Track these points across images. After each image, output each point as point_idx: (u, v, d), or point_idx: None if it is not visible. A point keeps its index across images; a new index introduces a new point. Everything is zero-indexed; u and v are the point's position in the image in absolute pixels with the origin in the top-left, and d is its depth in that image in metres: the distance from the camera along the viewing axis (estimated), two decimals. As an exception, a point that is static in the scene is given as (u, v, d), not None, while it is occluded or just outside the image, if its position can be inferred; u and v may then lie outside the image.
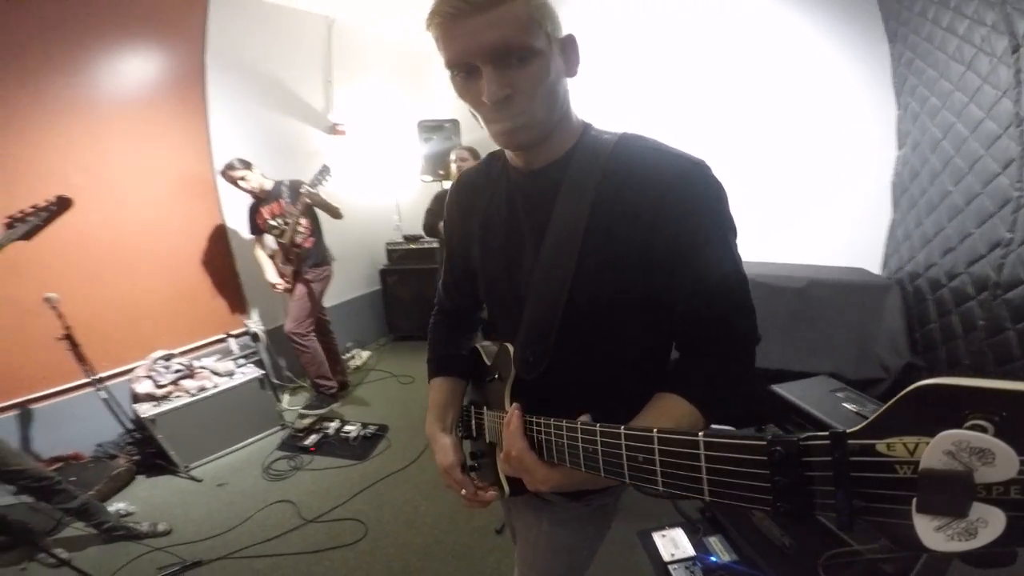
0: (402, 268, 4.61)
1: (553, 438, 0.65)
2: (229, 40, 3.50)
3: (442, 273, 1.08)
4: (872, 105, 2.41)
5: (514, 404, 0.74)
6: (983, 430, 0.22)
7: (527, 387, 0.82)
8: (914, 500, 0.24)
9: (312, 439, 2.97)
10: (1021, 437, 0.22)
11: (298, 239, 3.20)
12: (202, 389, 2.83)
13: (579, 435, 0.58)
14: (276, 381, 3.61)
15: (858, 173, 2.51)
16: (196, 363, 3.01)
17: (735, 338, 0.73)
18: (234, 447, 2.97)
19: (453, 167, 3.39)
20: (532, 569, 1.01)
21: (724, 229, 0.72)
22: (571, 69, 0.74)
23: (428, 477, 2.64)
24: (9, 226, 1.84)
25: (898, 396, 0.26)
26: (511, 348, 0.85)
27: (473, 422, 1.01)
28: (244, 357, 3.25)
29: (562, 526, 0.94)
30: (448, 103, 4.90)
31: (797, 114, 2.59)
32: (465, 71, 0.69)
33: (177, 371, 2.85)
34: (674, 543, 1.96)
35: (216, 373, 2.98)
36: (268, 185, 3.22)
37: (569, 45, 0.73)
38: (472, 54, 0.66)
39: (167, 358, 2.93)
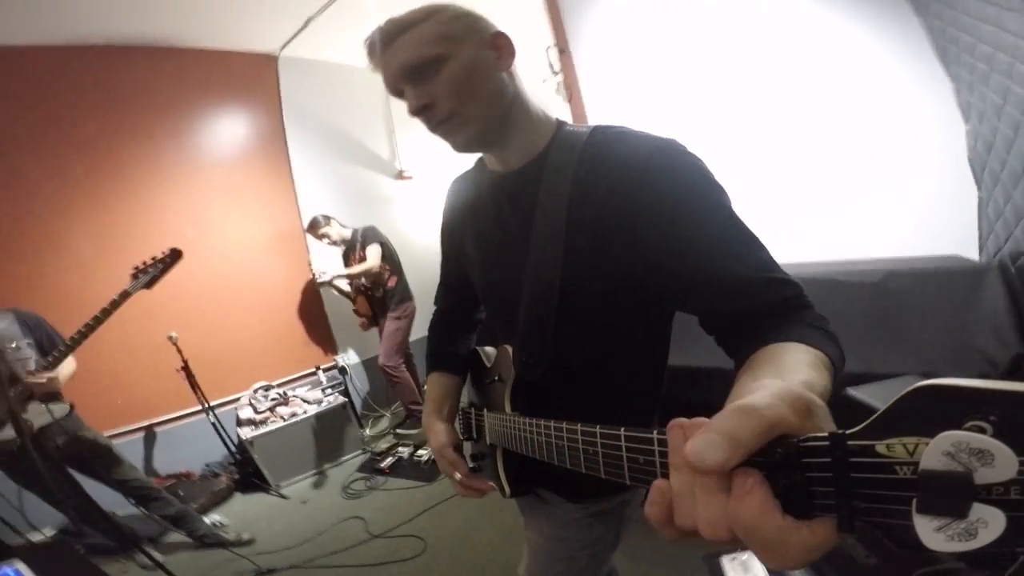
0: None
1: (553, 440, 0.62)
2: (301, 101, 3.82)
3: (440, 275, 1.08)
4: (920, 81, 2.14)
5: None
6: (982, 431, 0.21)
7: (527, 388, 0.80)
8: (914, 501, 0.23)
9: (388, 461, 3.05)
10: (1020, 438, 0.21)
11: (366, 281, 3.35)
12: (293, 415, 3.00)
13: (579, 436, 0.55)
14: (362, 411, 3.77)
15: (926, 155, 2.19)
16: (290, 392, 3.23)
17: (774, 310, 0.61)
18: (320, 468, 3.10)
19: None
20: (529, 571, 0.98)
21: (712, 204, 0.65)
22: (505, 62, 0.72)
23: (488, 499, 2.61)
24: (135, 277, 2.05)
25: (897, 397, 0.25)
26: (510, 349, 0.83)
27: (474, 424, 0.98)
28: (331, 387, 3.41)
29: (562, 530, 0.89)
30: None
31: (845, 105, 2.30)
32: (402, 97, 0.73)
33: (273, 399, 3.06)
34: (744, 568, 1.74)
35: (306, 401, 3.16)
36: (347, 234, 3.39)
37: (499, 41, 0.72)
38: (394, 81, 0.72)
39: (266, 388, 3.17)
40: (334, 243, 3.36)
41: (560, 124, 0.79)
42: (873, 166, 2.34)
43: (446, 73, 0.69)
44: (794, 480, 0.28)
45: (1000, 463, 0.21)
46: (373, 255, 3.22)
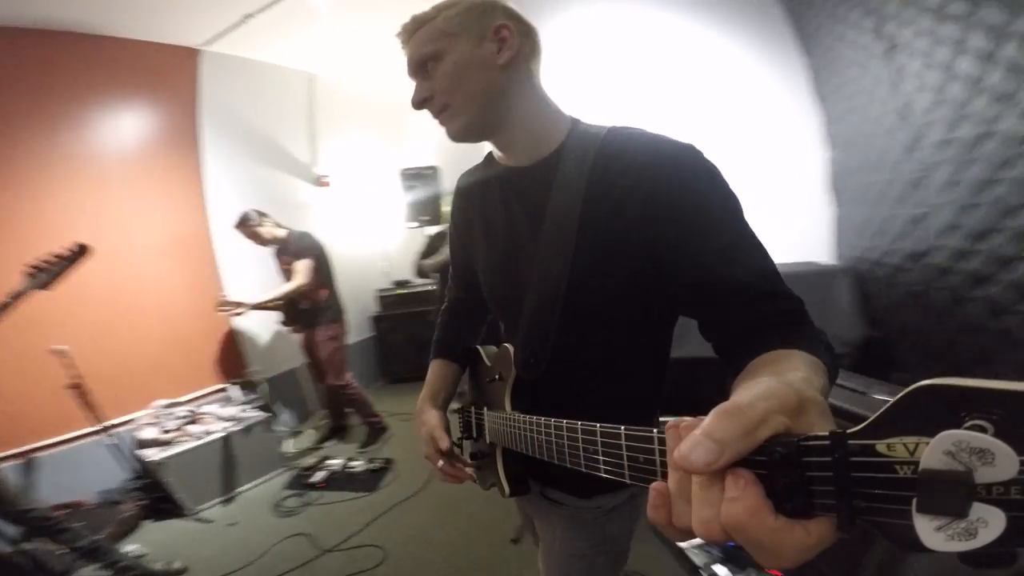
0: (395, 313, 4.46)
1: (553, 438, 0.60)
2: (220, 98, 3.47)
3: (451, 265, 1.05)
4: (800, 113, 2.48)
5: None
6: (983, 430, 0.21)
7: (528, 387, 0.78)
8: (914, 500, 0.23)
9: (320, 476, 2.84)
10: (1021, 437, 0.21)
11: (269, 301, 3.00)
12: (207, 433, 2.70)
13: (579, 436, 0.54)
14: (281, 428, 3.48)
15: (796, 175, 2.56)
16: (199, 409, 2.89)
17: (776, 321, 0.60)
18: (241, 488, 2.81)
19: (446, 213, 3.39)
20: (548, 574, 0.94)
21: (726, 211, 0.64)
22: (501, 57, 0.71)
23: (439, 501, 2.54)
24: (31, 275, 1.72)
25: (898, 396, 0.24)
26: (511, 348, 0.81)
27: (474, 422, 0.95)
28: (247, 403, 3.12)
29: (576, 530, 0.86)
30: (428, 150, 4.92)
31: (736, 131, 2.60)
32: None
33: (181, 417, 2.73)
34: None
35: (220, 418, 2.85)
36: (281, 235, 3.03)
37: (501, 32, 0.71)
38: (408, 72, 0.76)
39: (171, 406, 2.82)
40: (264, 243, 3.00)
41: (575, 122, 0.77)
42: (752, 182, 2.62)
43: (441, 69, 0.71)
44: (794, 479, 0.28)
45: (1001, 462, 0.21)
46: (302, 271, 2.91)
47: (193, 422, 2.74)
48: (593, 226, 0.68)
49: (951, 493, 0.22)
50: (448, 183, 4.63)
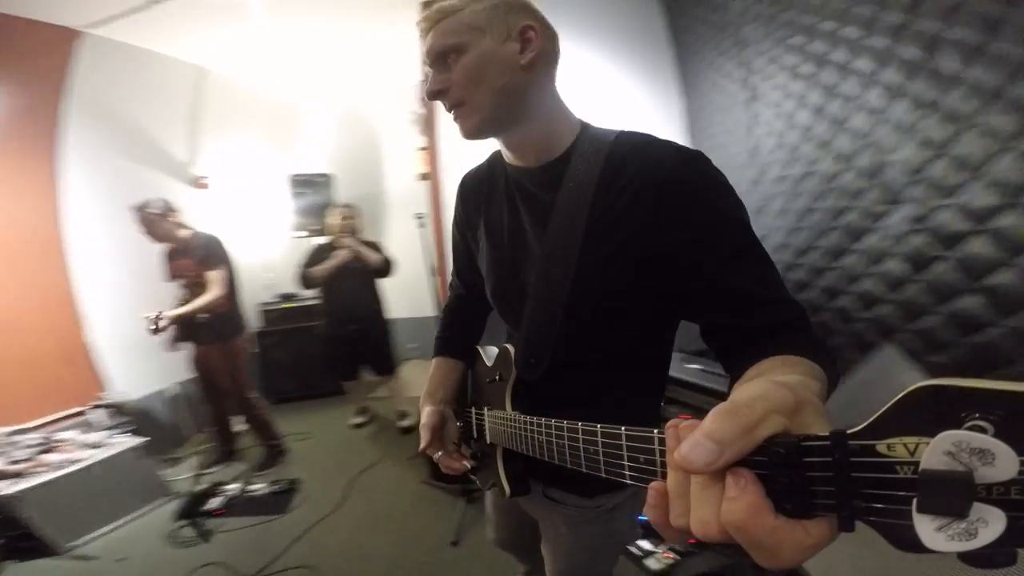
0: (278, 329, 3.94)
1: (554, 439, 0.58)
2: (94, 86, 2.90)
3: (452, 263, 1.02)
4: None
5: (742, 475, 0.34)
6: (983, 430, 0.21)
7: (528, 388, 0.76)
8: (914, 500, 0.22)
9: (217, 502, 2.47)
10: (1021, 437, 0.20)
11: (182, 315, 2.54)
12: (70, 462, 2.23)
13: (580, 435, 0.52)
14: (155, 452, 2.95)
15: None
16: (55, 436, 2.39)
17: (777, 328, 0.59)
18: (121, 521, 2.37)
19: (339, 224, 3.08)
20: (552, 570, 0.93)
21: (732, 219, 0.62)
22: (528, 54, 0.68)
23: (361, 517, 2.34)
24: None
25: (898, 396, 0.24)
26: (511, 349, 0.78)
27: (474, 423, 0.91)
28: (113, 428, 2.64)
29: (579, 527, 0.85)
30: (321, 157, 4.57)
31: None
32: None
33: (32, 445, 2.24)
34: None
35: (84, 445, 2.38)
36: (185, 236, 2.55)
37: (527, 33, 0.68)
38: (425, 61, 0.71)
39: (16, 433, 2.31)
40: (160, 239, 2.51)
41: (585, 125, 0.75)
42: None
43: (463, 60, 0.67)
44: (794, 479, 0.27)
45: (1001, 462, 0.20)
46: (219, 281, 2.52)
47: (49, 450, 2.25)
48: (600, 229, 0.67)
49: (951, 493, 0.21)
50: (343, 191, 4.33)
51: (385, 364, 3.39)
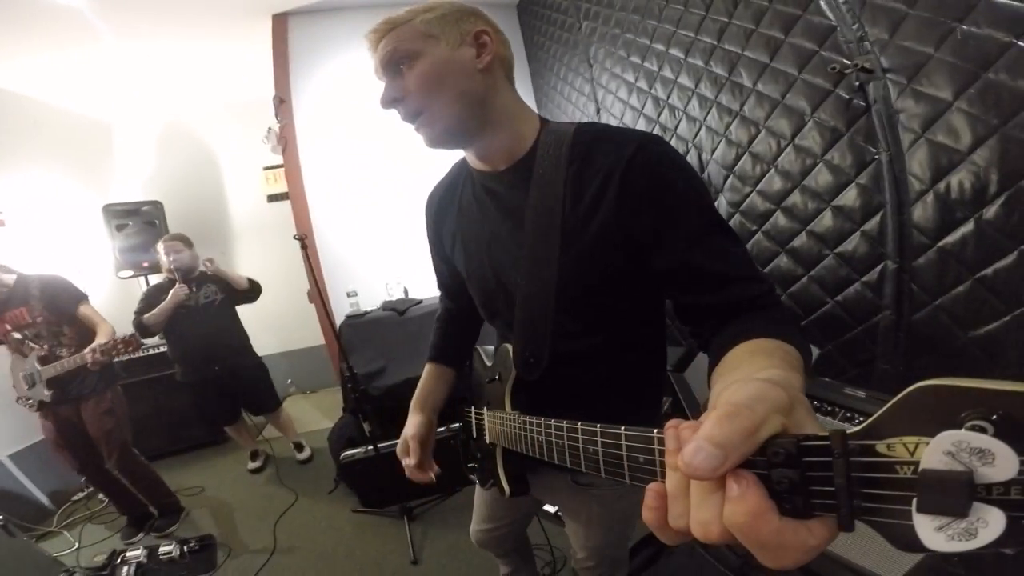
0: (131, 382, 3.14)
1: (553, 438, 0.56)
2: None
3: (437, 280, 0.98)
4: None
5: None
6: (983, 430, 0.20)
7: (527, 387, 0.73)
8: (914, 500, 0.22)
9: (127, 572, 1.95)
10: (1021, 437, 0.20)
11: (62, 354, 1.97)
12: None
13: (579, 435, 0.49)
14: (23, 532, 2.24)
15: None
16: None
17: (746, 305, 0.59)
18: None
19: (166, 260, 2.53)
20: (585, 546, 0.92)
21: (695, 199, 0.61)
22: (484, 59, 0.66)
23: (304, 558, 2.05)
24: None
25: (898, 396, 0.24)
26: (510, 348, 0.76)
27: (473, 422, 0.89)
28: None
29: (611, 503, 0.84)
30: (143, 184, 3.78)
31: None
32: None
33: None
34: None
35: None
36: (8, 279, 1.94)
37: (481, 38, 0.66)
38: (378, 73, 0.69)
39: None
40: None
41: (544, 121, 0.72)
42: None
43: (417, 69, 0.65)
44: (794, 480, 0.26)
45: (1001, 463, 0.20)
46: (98, 316, 2.10)
47: None
48: (575, 222, 0.65)
49: (951, 493, 0.21)
50: (173, 219, 3.63)
51: (264, 403, 2.95)
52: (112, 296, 3.51)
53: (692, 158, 1.81)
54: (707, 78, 1.66)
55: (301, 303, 2.61)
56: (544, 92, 2.87)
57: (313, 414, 3.81)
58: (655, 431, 0.38)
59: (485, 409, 0.84)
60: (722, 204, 1.72)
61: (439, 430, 0.96)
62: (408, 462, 0.90)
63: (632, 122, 2.09)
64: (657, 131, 1.95)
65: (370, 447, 2.14)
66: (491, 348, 0.89)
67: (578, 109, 2.53)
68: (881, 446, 0.23)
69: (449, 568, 1.88)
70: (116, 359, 2.08)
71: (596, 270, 0.66)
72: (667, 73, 1.83)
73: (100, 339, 2.00)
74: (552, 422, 0.57)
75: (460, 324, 0.99)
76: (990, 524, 0.20)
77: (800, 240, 1.48)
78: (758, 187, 1.57)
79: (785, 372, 0.41)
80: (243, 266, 3.20)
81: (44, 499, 2.76)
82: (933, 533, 0.21)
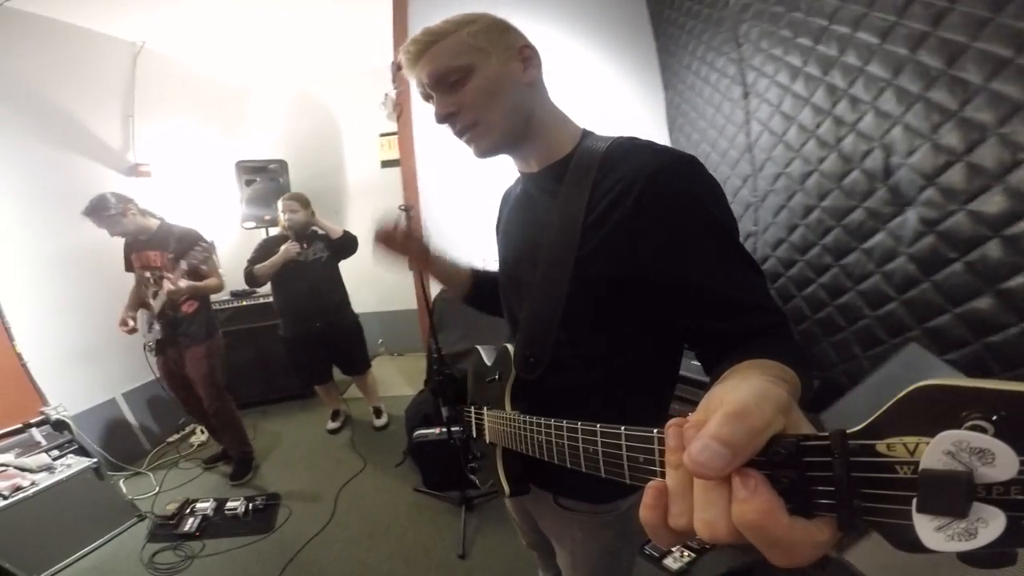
0: (235, 329, 3.82)
1: (553, 438, 0.61)
2: (6, 63, 2.71)
3: None
4: (654, 140, 2.87)
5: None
6: (983, 430, 0.22)
7: (527, 387, 0.80)
8: (914, 500, 0.23)
9: (191, 524, 2.39)
10: (1021, 437, 0.21)
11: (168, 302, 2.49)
12: (17, 488, 2.13)
13: (579, 435, 0.54)
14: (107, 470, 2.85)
15: None
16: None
17: (756, 333, 0.62)
18: (89, 548, 2.30)
19: (283, 217, 3.00)
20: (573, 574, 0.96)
21: (714, 224, 0.65)
22: (531, 73, 0.75)
23: (357, 530, 2.31)
24: None
25: (898, 396, 0.25)
26: (511, 348, 0.83)
27: (473, 422, 0.96)
28: (58, 448, 2.51)
29: (595, 531, 0.88)
30: (272, 143, 4.44)
31: None
32: (430, 101, 0.77)
33: None
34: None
35: (27, 469, 2.27)
36: (151, 224, 2.51)
37: (526, 52, 0.75)
38: (424, 86, 0.76)
39: None
40: (124, 233, 2.46)
41: (586, 133, 0.80)
42: None
43: (472, 84, 0.72)
44: (794, 479, 0.28)
45: (1001, 462, 0.21)
46: (215, 281, 2.59)
47: None
48: (594, 230, 0.70)
49: (951, 493, 0.22)
50: (296, 178, 4.24)
51: (355, 363, 3.35)
52: (235, 243, 4.24)
53: (875, 160, 1.59)
54: (912, 69, 1.44)
55: (402, 267, 2.90)
56: (674, 71, 2.76)
57: (397, 378, 4.23)
58: (655, 431, 0.41)
59: (485, 409, 0.90)
60: (909, 221, 1.51)
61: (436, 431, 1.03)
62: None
63: (794, 110, 1.90)
64: (828, 124, 1.76)
65: (443, 430, 2.33)
66: (492, 348, 0.95)
67: (717, 91, 2.40)
68: (881, 446, 0.25)
69: (494, 569, 1.98)
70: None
71: (606, 282, 0.71)
72: (851, 60, 1.64)
73: (204, 283, 2.51)
74: (552, 422, 0.61)
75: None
76: (990, 524, 0.21)
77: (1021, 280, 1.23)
78: (970, 205, 1.35)
79: (780, 375, 0.45)
80: (354, 225, 3.65)
81: (143, 439, 3.41)
82: (933, 533, 0.23)
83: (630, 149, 0.73)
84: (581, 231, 0.71)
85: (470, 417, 0.98)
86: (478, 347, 0.98)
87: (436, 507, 2.42)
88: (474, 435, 0.96)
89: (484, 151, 0.78)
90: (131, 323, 2.60)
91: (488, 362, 0.92)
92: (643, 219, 0.66)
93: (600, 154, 0.73)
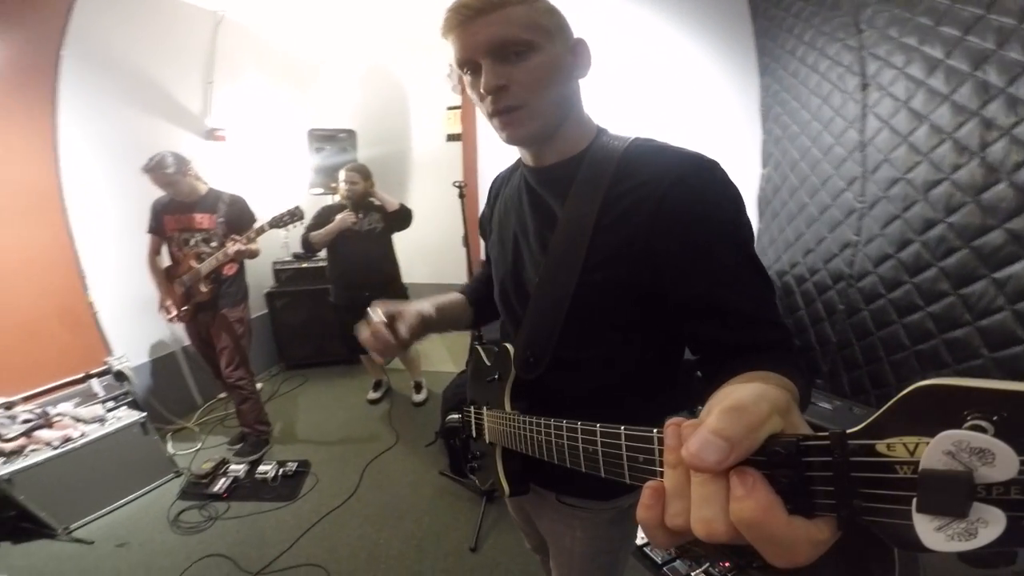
0: (292, 290, 4.21)
1: (553, 438, 0.64)
2: (97, 29, 3.05)
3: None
4: (745, 130, 2.73)
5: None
6: (983, 430, 0.23)
7: (527, 387, 0.84)
8: (914, 500, 0.25)
9: (222, 484, 2.62)
10: (1021, 437, 0.22)
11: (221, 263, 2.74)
12: (67, 439, 2.39)
13: (579, 435, 0.57)
14: (155, 424, 3.16)
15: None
16: (51, 410, 2.56)
17: (762, 347, 0.66)
18: (122, 501, 2.56)
19: (343, 187, 3.24)
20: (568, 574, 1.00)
21: (732, 234, 0.68)
22: (581, 71, 0.77)
23: (376, 508, 2.47)
24: None
25: (898, 396, 0.26)
26: (511, 348, 0.86)
27: (473, 422, 1.00)
28: (113, 399, 2.81)
29: (597, 528, 0.93)
30: (342, 113, 4.69)
31: (682, 136, 2.83)
32: (471, 69, 0.74)
33: (26, 421, 2.40)
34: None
35: (81, 420, 2.55)
36: (202, 189, 2.76)
37: (579, 48, 0.76)
38: (474, 51, 0.72)
39: (7, 407, 2.46)
40: (180, 195, 2.70)
41: (601, 131, 0.80)
42: None
43: (533, 61, 0.71)
44: (794, 479, 0.30)
45: (1001, 462, 0.22)
46: (256, 247, 2.76)
47: (44, 426, 2.43)
48: (605, 236, 0.73)
49: (951, 493, 0.23)
50: (363, 149, 4.46)
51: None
52: (304, 208, 4.53)
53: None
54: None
55: (457, 241, 3.01)
56: (774, 56, 2.63)
57: (441, 353, 4.38)
58: (655, 430, 0.43)
59: (485, 409, 0.94)
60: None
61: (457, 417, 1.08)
62: (375, 318, 0.91)
63: (927, 107, 1.73)
64: (973, 125, 1.58)
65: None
66: (492, 348, 0.98)
67: (827, 81, 2.26)
68: (881, 446, 0.27)
69: (502, 567, 2.04)
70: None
71: (615, 284, 0.73)
72: (1015, 54, 1.50)
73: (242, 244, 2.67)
74: (552, 421, 0.65)
75: (483, 284, 1.12)
76: (990, 524, 0.23)
77: None
78: None
79: (778, 381, 0.48)
80: (415, 198, 3.83)
81: (197, 395, 3.74)
82: (933, 533, 0.24)
83: (649, 152, 0.74)
84: (592, 233, 0.73)
85: (470, 416, 1.02)
86: (478, 347, 1.03)
87: (457, 494, 2.52)
88: (474, 435, 1.00)
89: (519, 138, 0.77)
90: (173, 311, 2.86)
91: (488, 362, 0.96)
92: (661, 227, 0.68)
93: (617, 155, 0.75)
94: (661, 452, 0.42)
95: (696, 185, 0.68)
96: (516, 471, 0.88)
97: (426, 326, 0.97)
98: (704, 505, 0.33)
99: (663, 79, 2.89)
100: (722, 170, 0.70)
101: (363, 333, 0.91)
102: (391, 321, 0.91)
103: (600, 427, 0.52)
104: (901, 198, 1.86)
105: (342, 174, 3.29)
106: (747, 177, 2.74)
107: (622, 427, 0.48)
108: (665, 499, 0.36)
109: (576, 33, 0.79)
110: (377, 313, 0.90)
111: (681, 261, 0.68)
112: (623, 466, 0.48)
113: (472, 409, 1.01)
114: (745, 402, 0.33)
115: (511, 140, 0.77)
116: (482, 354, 1.00)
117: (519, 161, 0.93)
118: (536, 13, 0.72)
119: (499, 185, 1.01)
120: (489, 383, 0.93)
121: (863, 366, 2.06)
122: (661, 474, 0.40)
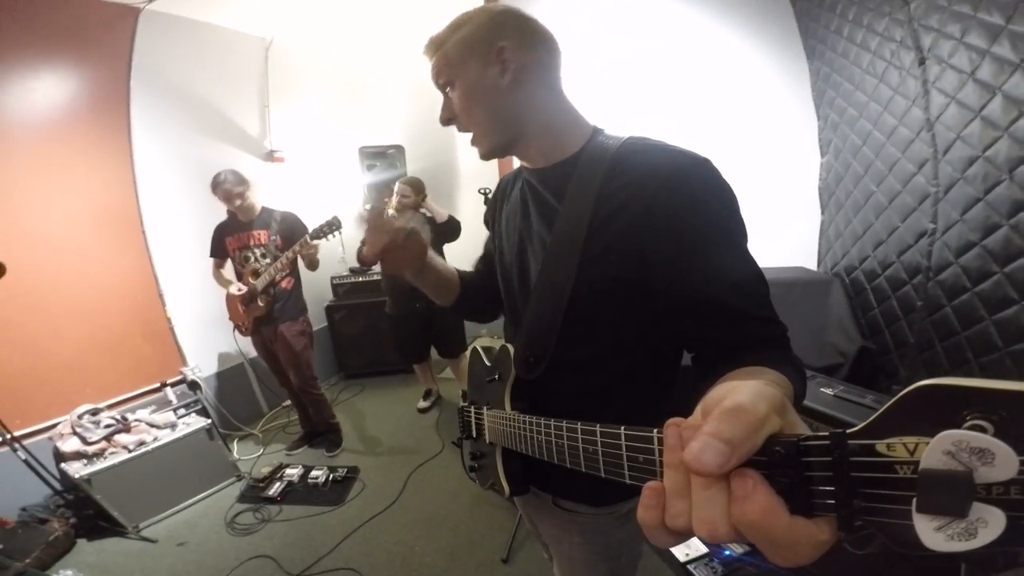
0: (350, 303, 4.43)
1: (553, 438, 0.65)
2: (157, 61, 3.33)
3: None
4: (798, 118, 2.60)
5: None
6: (983, 430, 0.23)
7: (527, 387, 0.85)
8: (914, 500, 0.25)
9: (276, 488, 2.79)
10: (1021, 437, 0.22)
11: (274, 277, 2.91)
12: (141, 443, 2.63)
13: (579, 435, 0.58)
14: (223, 430, 3.41)
15: (789, 181, 2.68)
16: (130, 416, 2.81)
17: (757, 343, 0.67)
18: (187, 503, 2.77)
19: (394, 200, 3.34)
20: None
21: (724, 232, 0.69)
22: (506, 78, 0.77)
23: (416, 516, 2.54)
24: None
25: (898, 396, 0.26)
26: (511, 348, 0.88)
27: (473, 422, 1.01)
28: (185, 407, 3.05)
29: (595, 535, 0.93)
30: (391, 129, 4.87)
31: (731, 129, 2.73)
32: None
33: (108, 426, 2.64)
34: (686, 543, 1.96)
35: (155, 426, 2.79)
36: (258, 207, 2.98)
37: (502, 55, 0.77)
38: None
39: (94, 413, 2.71)
40: (239, 209, 2.90)
41: (596, 131, 0.84)
42: (747, 187, 2.73)
43: (456, 93, 0.81)
44: (794, 479, 0.30)
45: (1000, 462, 0.22)
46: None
47: (123, 431, 2.67)
48: (600, 234, 0.74)
49: (951, 493, 0.23)
50: (411, 163, 4.60)
51: (451, 346, 3.66)
52: (358, 225, 4.76)
53: None
54: None
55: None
56: (820, 38, 2.48)
57: None
58: (655, 431, 0.43)
59: (485, 409, 0.95)
60: None
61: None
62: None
63: (996, 77, 1.55)
64: None
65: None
66: (492, 348, 0.99)
67: (880, 58, 2.11)
68: (881, 446, 0.27)
69: None
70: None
71: (611, 282, 0.75)
72: None
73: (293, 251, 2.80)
74: (552, 422, 0.66)
75: (478, 278, 1.13)
76: (990, 524, 0.23)
77: None
78: None
79: (774, 379, 0.49)
80: (462, 211, 3.90)
81: (263, 402, 3.97)
82: (933, 533, 0.24)
83: (641, 150, 0.75)
84: (587, 232, 0.75)
85: (470, 417, 1.04)
86: (478, 347, 1.05)
87: (496, 503, 2.54)
88: (474, 435, 1.02)
89: (482, 156, 0.85)
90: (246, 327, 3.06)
91: (488, 362, 0.97)
92: (653, 224, 0.69)
93: (610, 154, 0.76)
94: (661, 452, 0.42)
95: (686, 183, 0.69)
96: (516, 471, 0.90)
97: (422, 253, 0.97)
98: (705, 507, 0.33)
99: (706, 74, 2.80)
100: (713, 168, 0.70)
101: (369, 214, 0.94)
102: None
103: (600, 427, 0.53)
104: (981, 178, 1.69)
105: (396, 187, 3.42)
106: (806, 168, 2.61)
107: (622, 427, 0.49)
108: (666, 499, 0.37)
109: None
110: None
111: (672, 259, 0.69)
112: (623, 466, 0.49)
113: (472, 409, 1.03)
114: (744, 403, 0.33)
115: (482, 158, 0.86)
116: (482, 354, 1.02)
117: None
118: (451, 48, 0.79)
119: (505, 186, 1.03)
120: (489, 383, 0.94)
121: (948, 370, 1.89)
122: (661, 475, 0.40)
